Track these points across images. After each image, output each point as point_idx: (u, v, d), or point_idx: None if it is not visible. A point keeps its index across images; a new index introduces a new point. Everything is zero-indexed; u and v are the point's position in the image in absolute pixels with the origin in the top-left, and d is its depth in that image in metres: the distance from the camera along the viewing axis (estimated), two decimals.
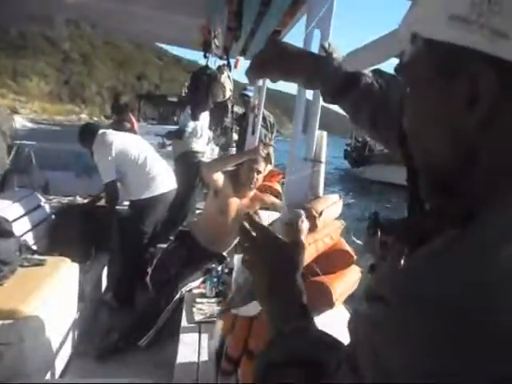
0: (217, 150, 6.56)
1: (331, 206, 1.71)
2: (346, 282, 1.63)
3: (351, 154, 22.73)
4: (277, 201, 3.11)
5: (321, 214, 1.59)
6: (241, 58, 3.66)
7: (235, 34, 2.65)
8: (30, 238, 2.86)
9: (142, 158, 3.21)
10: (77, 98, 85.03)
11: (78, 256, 2.85)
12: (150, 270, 3.05)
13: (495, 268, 0.33)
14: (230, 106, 4.31)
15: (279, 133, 4.49)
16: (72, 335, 2.52)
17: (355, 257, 1.67)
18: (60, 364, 2.34)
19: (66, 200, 4.18)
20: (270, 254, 0.73)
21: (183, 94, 9.02)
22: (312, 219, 1.58)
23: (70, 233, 3.07)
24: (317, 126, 1.70)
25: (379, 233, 0.71)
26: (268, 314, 0.70)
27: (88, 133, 3.23)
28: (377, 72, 0.79)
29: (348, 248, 1.69)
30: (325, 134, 1.73)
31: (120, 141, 3.18)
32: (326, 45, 0.84)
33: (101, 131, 3.22)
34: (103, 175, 3.11)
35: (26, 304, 1.92)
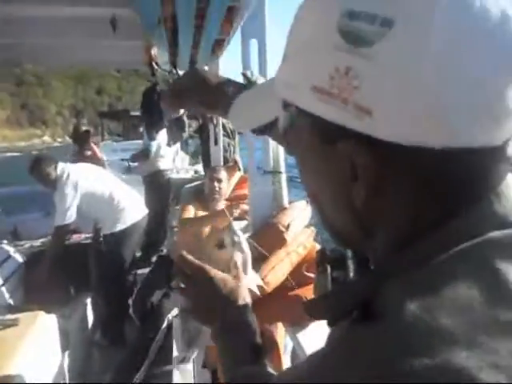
0: (187, 158, 6.46)
1: (299, 214, 1.68)
2: None
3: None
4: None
5: (288, 226, 1.55)
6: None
7: (175, 51, 2.60)
8: (3, 294, 2.74)
9: (108, 191, 3.10)
10: (36, 120, 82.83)
11: (57, 301, 2.75)
12: (130, 301, 2.98)
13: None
14: (186, 120, 4.23)
15: (240, 133, 4.39)
16: None
17: None
18: None
19: (38, 243, 4.04)
20: (210, 295, 0.71)
21: None
22: (279, 234, 1.54)
23: (44, 278, 2.95)
24: (270, 138, 1.66)
25: (329, 269, 0.68)
26: (220, 356, 0.68)
27: (42, 166, 3.01)
28: None
29: None
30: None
31: (85, 178, 3.05)
32: (248, 73, 0.78)
33: (62, 168, 3.04)
34: (59, 216, 2.94)
35: (6, 370, 1.83)
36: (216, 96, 0.74)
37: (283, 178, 1.68)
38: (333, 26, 0.35)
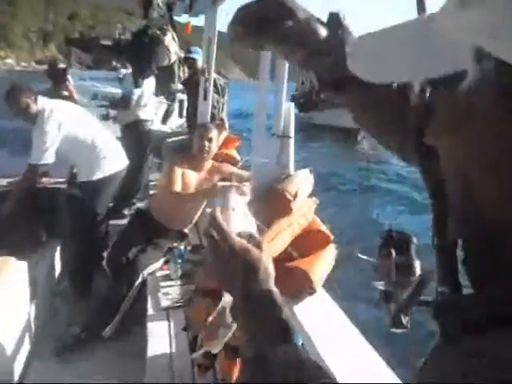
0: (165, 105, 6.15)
1: (303, 183, 1.60)
2: (324, 264, 1.55)
3: (298, 99, 22.38)
4: (235, 170, 2.96)
5: (295, 196, 1.47)
6: (192, 21, 3.37)
7: None
8: None
9: (90, 137, 2.90)
10: (1, 41, 77.49)
11: (23, 246, 2.61)
12: (105, 254, 2.87)
13: None
14: (176, 71, 4.00)
15: (226, 78, 4.15)
16: (29, 336, 2.33)
17: (331, 236, 1.58)
18: (18, 367, 2.16)
19: (4, 182, 3.80)
20: (239, 267, 0.64)
21: (118, 37, 8.37)
22: (286, 203, 1.47)
23: (10, 221, 2.76)
24: (284, 98, 1.55)
25: (394, 254, 0.61)
26: (246, 335, 0.62)
27: (20, 96, 2.71)
28: None
29: (323, 227, 1.60)
30: (292, 105, 1.58)
31: (68, 118, 2.82)
32: (341, 14, 0.61)
33: (44, 103, 2.77)
34: (36, 154, 2.70)
35: None
36: (301, 35, 0.59)
37: (292, 143, 1.59)
38: None
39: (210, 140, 2.72)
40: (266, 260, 0.66)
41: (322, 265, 1.52)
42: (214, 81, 3.52)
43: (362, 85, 0.52)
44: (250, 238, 0.74)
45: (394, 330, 0.59)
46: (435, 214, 0.50)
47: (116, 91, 5.48)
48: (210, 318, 1.56)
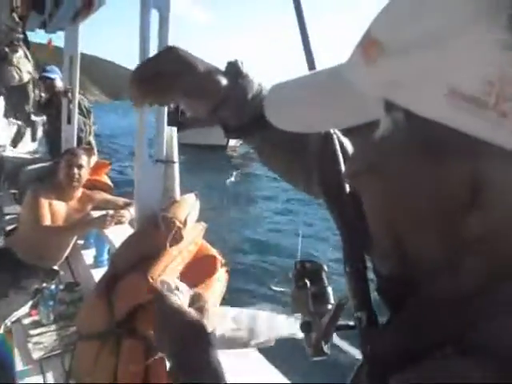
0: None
1: (191, 209, 1.57)
2: (217, 288, 1.53)
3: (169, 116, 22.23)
4: (108, 196, 2.79)
5: (185, 222, 1.43)
6: (53, 38, 3.10)
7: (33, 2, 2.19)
8: None
9: None
10: None
11: None
12: None
13: None
14: (30, 91, 3.63)
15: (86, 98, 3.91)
16: None
17: (222, 260, 1.57)
18: None
19: None
20: (173, 326, 0.69)
21: None
22: (177, 230, 1.42)
23: None
24: (165, 122, 1.51)
25: (309, 284, 0.62)
26: None
27: None
28: None
29: (213, 251, 1.59)
30: (174, 129, 1.55)
31: None
32: (239, 63, 0.62)
33: None
34: None
35: None
36: (205, 88, 0.60)
37: (176, 167, 1.55)
38: (502, 16, 0.27)
39: (79, 167, 2.52)
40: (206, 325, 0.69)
41: (214, 289, 1.50)
42: (79, 103, 3.29)
43: (269, 128, 0.54)
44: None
45: (315, 358, 0.60)
46: (347, 245, 0.52)
47: None
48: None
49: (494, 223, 0.31)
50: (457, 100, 0.29)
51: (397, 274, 0.40)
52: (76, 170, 2.50)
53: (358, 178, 0.40)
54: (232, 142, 18.56)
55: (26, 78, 3.08)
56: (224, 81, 0.60)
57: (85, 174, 2.59)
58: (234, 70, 0.62)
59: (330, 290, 0.62)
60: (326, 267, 0.65)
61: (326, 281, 0.64)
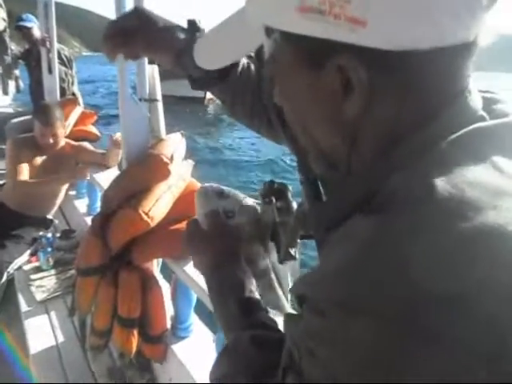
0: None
1: (177, 146, 1.60)
2: None
3: None
4: (90, 147, 2.76)
5: (171, 158, 1.47)
6: None
7: None
8: None
9: None
10: None
11: None
12: None
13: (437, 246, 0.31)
14: (7, 40, 3.51)
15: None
16: None
17: None
18: None
19: None
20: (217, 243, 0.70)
21: None
22: (164, 166, 1.46)
23: None
24: (146, 62, 1.51)
25: (274, 200, 0.73)
26: (218, 312, 0.66)
27: None
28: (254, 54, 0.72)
29: None
30: (156, 67, 1.55)
31: None
32: (197, 21, 0.70)
33: None
34: None
35: None
36: (165, 40, 0.68)
37: (160, 106, 1.56)
38: None
39: (52, 124, 2.50)
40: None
41: None
42: (59, 52, 3.20)
43: (232, 75, 0.64)
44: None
45: (285, 262, 0.69)
46: (297, 157, 0.62)
47: None
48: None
49: (363, 101, 0.38)
50: (305, 11, 0.36)
51: (321, 163, 0.48)
52: (49, 128, 2.49)
53: (273, 95, 0.48)
54: (209, 95, 18.11)
55: (2, 25, 2.97)
56: (182, 35, 0.68)
57: (60, 128, 2.56)
58: (193, 27, 0.69)
59: (294, 204, 0.71)
60: (290, 187, 0.74)
61: (290, 197, 0.73)
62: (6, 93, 5.32)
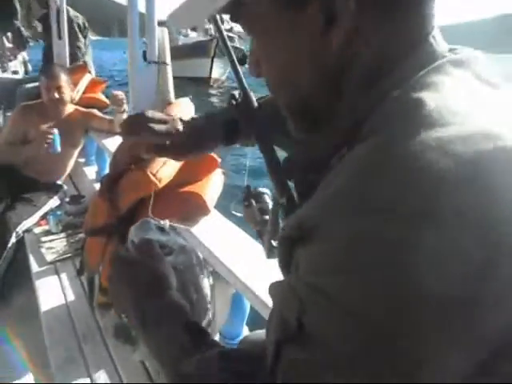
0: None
1: (186, 110, 1.61)
2: (214, 186, 1.61)
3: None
4: (99, 114, 2.76)
5: (181, 121, 1.48)
6: None
7: None
8: None
9: None
10: None
11: None
12: None
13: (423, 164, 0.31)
14: (17, 4, 3.48)
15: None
16: None
17: (219, 160, 1.64)
18: None
19: None
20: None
21: None
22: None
23: None
24: (156, 25, 1.50)
25: (254, 203, 0.81)
26: (151, 349, 0.56)
27: None
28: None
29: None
30: (166, 30, 1.54)
31: None
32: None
33: None
34: None
35: None
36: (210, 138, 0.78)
37: (169, 69, 1.56)
38: None
39: (59, 88, 2.50)
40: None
41: (212, 186, 1.58)
42: (71, 18, 3.18)
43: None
44: None
45: (270, 257, 0.73)
46: (265, 156, 0.63)
47: None
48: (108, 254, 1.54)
49: (347, 32, 0.39)
50: None
51: (302, 119, 0.48)
52: (55, 93, 2.48)
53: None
54: (215, 74, 17.76)
55: None
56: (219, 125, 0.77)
57: (67, 93, 2.55)
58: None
59: (270, 205, 0.79)
60: (268, 191, 0.81)
61: (267, 199, 0.81)
62: (15, 57, 5.28)
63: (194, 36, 19.82)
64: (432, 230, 0.29)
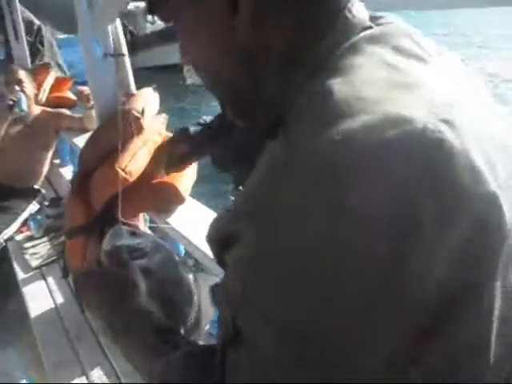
0: None
1: (149, 100, 1.59)
2: (187, 174, 1.60)
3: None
4: (67, 113, 2.71)
5: (143, 112, 1.46)
6: None
7: None
8: None
9: None
10: None
11: None
12: None
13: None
14: None
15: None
16: None
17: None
18: None
19: None
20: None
21: None
22: (136, 121, 1.45)
23: None
24: (115, 16, 1.46)
25: None
26: (130, 347, 0.58)
27: None
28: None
29: None
30: (118, 22, 1.50)
31: None
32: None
33: None
34: None
35: None
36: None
37: (127, 60, 1.53)
38: None
39: (19, 82, 2.45)
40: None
41: (185, 175, 1.57)
42: (26, 19, 3.07)
43: None
44: None
45: None
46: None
47: None
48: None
49: (250, 16, 0.38)
50: None
51: (233, 103, 0.47)
52: (16, 86, 2.42)
53: None
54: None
55: None
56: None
57: (29, 88, 2.51)
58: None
59: None
60: None
61: None
62: None
63: (161, 22, 19.25)
64: (337, 226, 0.29)
